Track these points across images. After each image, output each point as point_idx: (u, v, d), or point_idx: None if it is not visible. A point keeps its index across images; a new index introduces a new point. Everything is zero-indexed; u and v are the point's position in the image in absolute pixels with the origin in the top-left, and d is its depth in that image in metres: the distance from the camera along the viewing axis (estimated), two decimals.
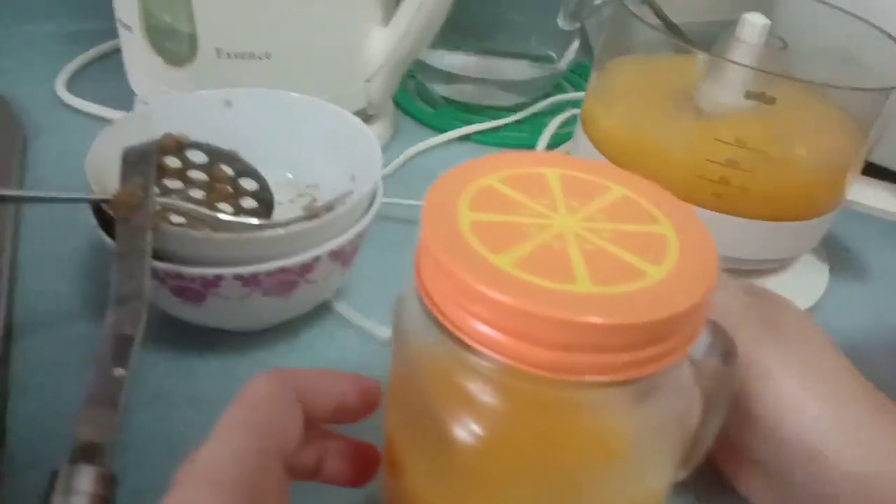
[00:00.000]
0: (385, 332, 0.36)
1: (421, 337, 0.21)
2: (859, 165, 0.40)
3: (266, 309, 0.32)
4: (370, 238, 0.36)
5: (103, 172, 0.32)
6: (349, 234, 0.32)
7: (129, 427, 0.30)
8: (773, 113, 0.37)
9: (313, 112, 0.39)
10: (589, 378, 0.18)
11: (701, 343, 0.23)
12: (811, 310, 0.42)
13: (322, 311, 0.37)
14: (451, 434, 0.20)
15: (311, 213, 0.34)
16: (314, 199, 0.39)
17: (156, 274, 0.30)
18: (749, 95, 0.36)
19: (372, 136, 0.37)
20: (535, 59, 0.55)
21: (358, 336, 0.37)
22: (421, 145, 0.50)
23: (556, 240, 0.19)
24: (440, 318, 0.19)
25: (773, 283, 0.41)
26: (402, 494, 0.24)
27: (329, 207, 0.36)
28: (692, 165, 0.37)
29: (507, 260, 0.18)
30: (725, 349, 0.23)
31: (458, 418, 0.20)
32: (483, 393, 0.20)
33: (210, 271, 0.29)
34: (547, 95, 0.57)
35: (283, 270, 0.30)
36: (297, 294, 0.32)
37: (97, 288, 0.37)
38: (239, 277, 0.30)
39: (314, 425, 0.24)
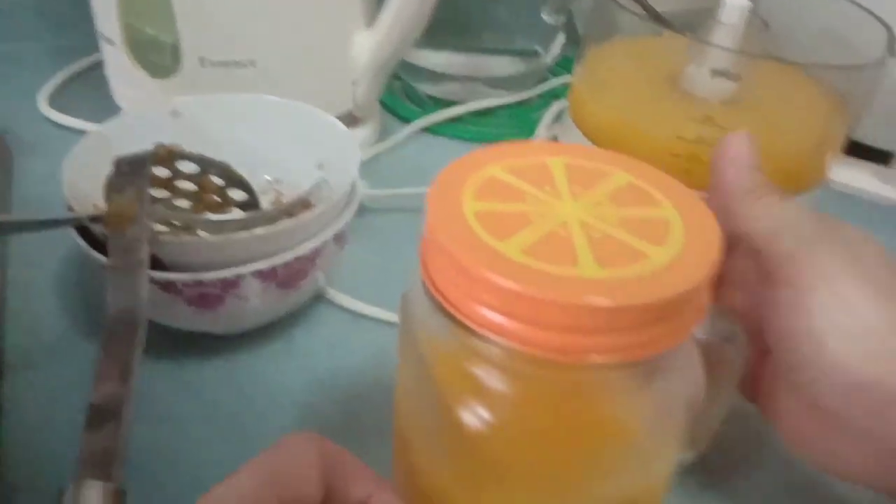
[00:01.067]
0: (375, 311, 0.37)
1: (428, 328, 0.21)
2: (839, 144, 0.40)
3: (278, 303, 0.33)
4: (353, 229, 0.36)
5: (77, 189, 0.32)
6: (347, 214, 0.33)
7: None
8: (747, 92, 0.37)
9: (263, 109, 0.39)
10: (595, 360, 0.18)
11: (706, 324, 0.24)
12: None
13: (312, 309, 0.37)
14: (461, 420, 0.20)
15: (286, 207, 0.35)
16: (279, 194, 0.39)
17: (170, 286, 0.29)
18: (715, 73, 0.37)
19: (328, 116, 0.37)
20: (521, 54, 0.55)
21: (352, 325, 0.37)
22: (398, 136, 0.51)
23: (561, 227, 0.19)
24: (447, 305, 0.19)
25: None
26: (414, 485, 0.24)
27: (304, 200, 0.36)
28: (665, 143, 0.37)
29: (512, 247, 0.18)
30: (730, 330, 0.24)
31: (467, 405, 0.20)
32: (492, 379, 0.20)
33: (230, 272, 0.29)
34: (533, 88, 0.57)
35: (298, 259, 0.31)
36: (306, 282, 0.33)
37: (89, 305, 0.37)
38: (258, 274, 0.30)
39: None
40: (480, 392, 0.20)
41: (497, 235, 0.19)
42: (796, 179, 0.39)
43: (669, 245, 0.19)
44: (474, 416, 0.20)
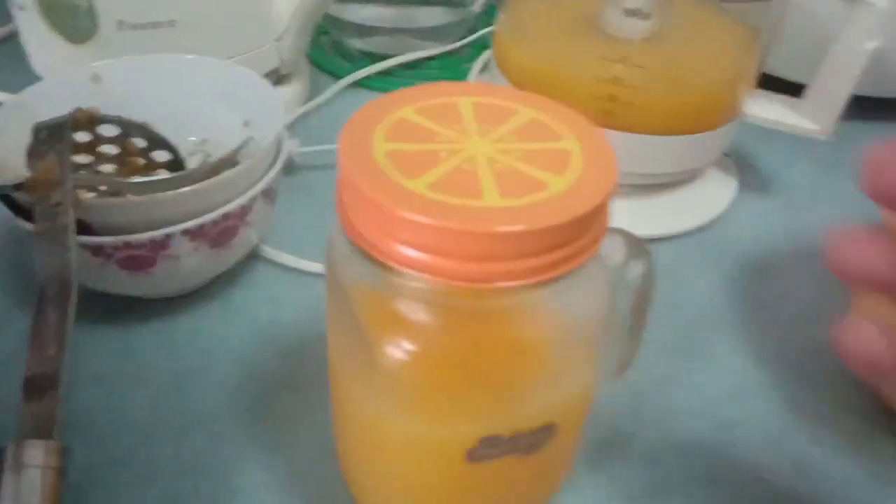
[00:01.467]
0: (313, 266, 0.38)
1: (350, 270, 0.22)
2: (752, 77, 0.42)
3: (212, 262, 0.33)
4: (287, 187, 0.36)
5: None
6: (275, 170, 0.34)
7: (70, 409, 0.31)
8: (663, 31, 0.38)
9: (186, 69, 0.38)
10: (504, 284, 0.19)
11: (617, 251, 0.25)
12: (719, 219, 0.44)
13: (249, 268, 0.38)
14: (386, 354, 0.21)
15: (213, 166, 0.35)
16: (208, 155, 0.39)
17: (100, 250, 0.30)
18: (628, 13, 0.38)
19: (252, 73, 0.37)
20: (448, 4, 0.55)
21: (290, 281, 0.38)
22: (329, 92, 0.51)
23: (467, 162, 0.20)
24: (362, 244, 0.20)
25: (680, 196, 0.43)
26: (348, 418, 0.25)
27: (231, 159, 0.36)
28: (585, 85, 0.38)
29: (420, 184, 0.19)
30: (639, 254, 0.25)
31: (390, 339, 0.21)
32: (410, 311, 0.21)
33: (159, 232, 0.30)
34: (462, 39, 0.58)
35: (226, 217, 0.31)
36: (238, 240, 0.33)
37: (20, 276, 0.37)
38: (187, 233, 0.30)
39: None
40: (401, 324, 0.21)
41: (406, 173, 0.20)
42: (713, 114, 0.41)
43: (569, 174, 0.20)
44: (397, 348, 0.21)
